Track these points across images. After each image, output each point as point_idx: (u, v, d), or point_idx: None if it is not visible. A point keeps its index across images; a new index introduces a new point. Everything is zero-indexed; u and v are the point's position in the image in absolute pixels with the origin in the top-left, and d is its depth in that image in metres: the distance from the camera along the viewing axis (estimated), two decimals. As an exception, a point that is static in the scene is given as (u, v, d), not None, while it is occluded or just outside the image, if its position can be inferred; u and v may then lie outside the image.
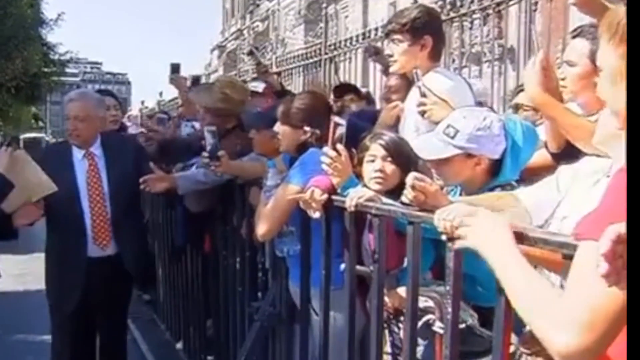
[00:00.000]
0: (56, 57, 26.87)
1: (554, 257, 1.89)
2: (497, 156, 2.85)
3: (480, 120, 2.84)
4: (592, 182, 2.22)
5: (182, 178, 4.57)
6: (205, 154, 4.17)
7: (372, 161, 3.17)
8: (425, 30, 3.55)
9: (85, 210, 4.29)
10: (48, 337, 4.65)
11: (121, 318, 4.76)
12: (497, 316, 2.02)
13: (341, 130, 3.11)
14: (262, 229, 3.50)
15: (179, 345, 5.91)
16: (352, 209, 2.82)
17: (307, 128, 3.52)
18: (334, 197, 3.02)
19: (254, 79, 8.01)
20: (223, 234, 4.63)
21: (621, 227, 1.29)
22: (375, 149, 3.18)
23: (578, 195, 2.26)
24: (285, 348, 3.76)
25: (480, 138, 2.81)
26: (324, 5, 14.01)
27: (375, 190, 3.01)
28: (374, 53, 4.93)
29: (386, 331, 2.98)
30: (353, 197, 2.83)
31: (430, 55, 3.58)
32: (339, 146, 3.02)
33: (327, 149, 3.03)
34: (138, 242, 4.62)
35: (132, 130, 7.97)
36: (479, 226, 1.89)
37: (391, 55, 3.67)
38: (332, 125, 3.10)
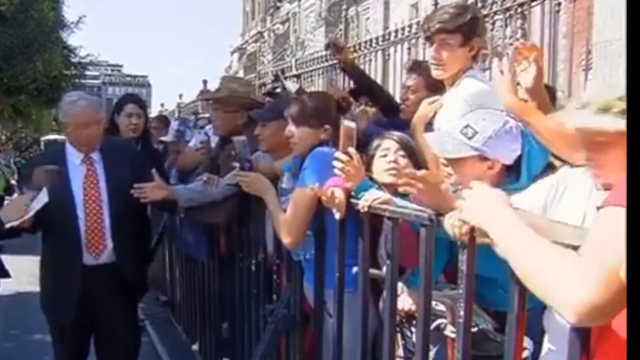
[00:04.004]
0: (77, 59, 27.03)
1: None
2: (510, 162, 2.81)
3: (500, 125, 2.80)
4: (587, 194, 2.23)
5: (182, 189, 4.50)
6: (235, 163, 4.00)
7: (385, 156, 3.15)
8: (477, 32, 3.45)
9: (80, 217, 4.13)
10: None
11: (126, 325, 4.47)
12: (510, 320, 2.00)
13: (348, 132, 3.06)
14: (287, 239, 3.44)
15: (195, 347, 5.92)
16: (365, 209, 2.80)
17: (327, 126, 3.49)
18: (349, 199, 3.01)
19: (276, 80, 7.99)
20: (238, 236, 4.62)
21: None
22: (388, 144, 3.19)
23: (571, 206, 2.27)
24: (299, 351, 3.75)
25: (498, 142, 2.77)
26: (344, 7, 14.00)
27: (388, 183, 3.01)
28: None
29: (398, 335, 2.97)
30: (368, 199, 2.81)
31: (475, 58, 3.49)
32: (351, 149, 2.99)
33: (338, 153, 3.01)
34: (137, 249, 4.44)
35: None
36: (473, 199, 1.91)
37: (436, 58, 3.48)
38: (341, 128, 3.06)
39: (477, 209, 1.89)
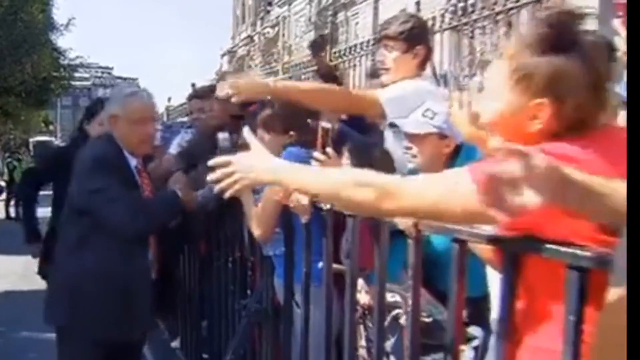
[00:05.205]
0: (66, 61, 27.07)
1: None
2: (459, 141, 3.08)
3: None
4: None
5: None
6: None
7: None
8: (419, 40, 3.71)
9: None
10: (51, 335, 4.28)
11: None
12: (450, 309, 2.16)
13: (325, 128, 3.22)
14: (257, 232, 3.63)
15: (175, 344, 6.06)
16: (328, 206, 2.97)
17: (292, 133, 3.67)
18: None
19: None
20: (216, 235, 4.77)
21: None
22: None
23: None
24: (271, 342, 3.91)
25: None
26: (330, 12, 14.14)
27: None
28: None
29: (361, 326, 3.14)
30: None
31: (419, 65, 3.74)
32: (329, 149, 3.16)
33: (317, 153, 3.17)
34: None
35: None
36: (243, 166, 2.15)
37: (382, 62, 3.79)
38: (319, 129, 3.22)
39: (250, 166, 2.14)
